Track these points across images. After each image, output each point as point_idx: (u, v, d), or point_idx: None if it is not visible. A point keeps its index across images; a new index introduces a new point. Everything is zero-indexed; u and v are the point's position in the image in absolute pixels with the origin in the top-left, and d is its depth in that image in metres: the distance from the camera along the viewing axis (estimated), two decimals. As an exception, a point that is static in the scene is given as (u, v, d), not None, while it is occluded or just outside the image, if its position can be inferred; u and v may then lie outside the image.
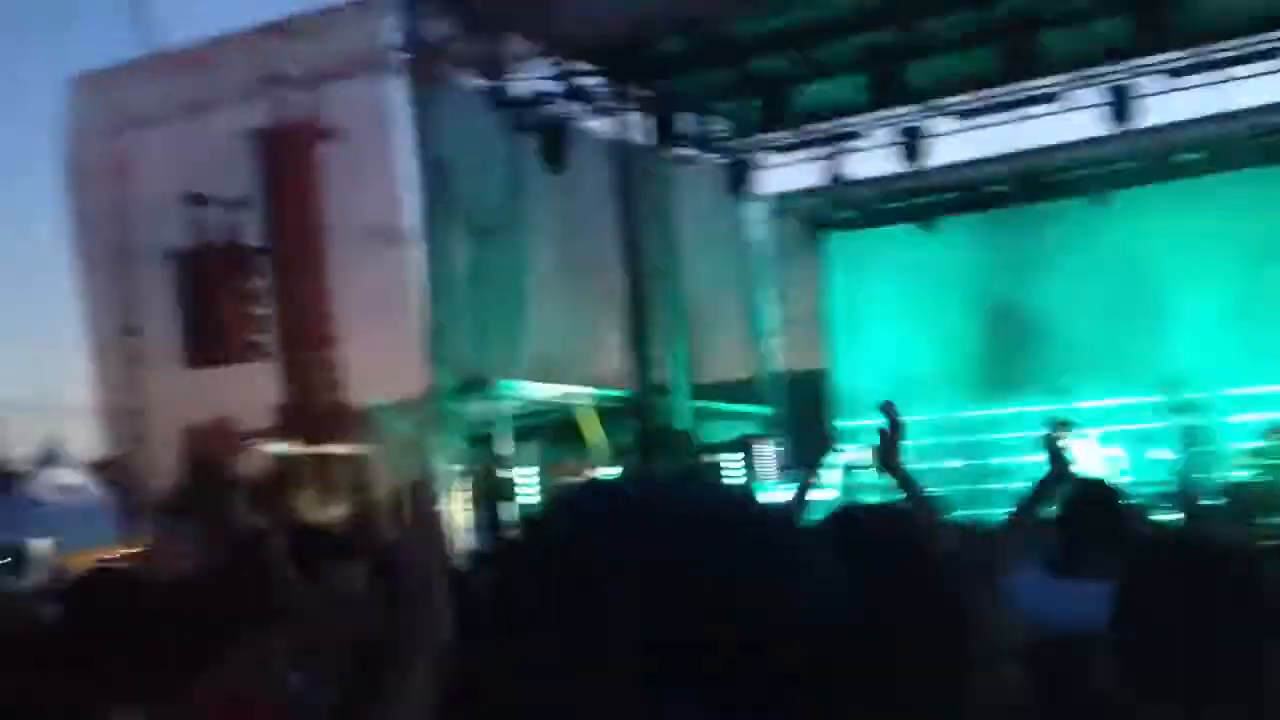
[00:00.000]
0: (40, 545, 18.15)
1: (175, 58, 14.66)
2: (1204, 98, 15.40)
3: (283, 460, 17.55)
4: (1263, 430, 14.91)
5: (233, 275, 16.00)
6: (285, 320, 16.22)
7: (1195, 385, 15.35)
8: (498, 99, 14.55)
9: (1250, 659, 1.86)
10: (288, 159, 15.16)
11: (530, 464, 17.59)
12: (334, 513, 16.35)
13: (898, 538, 2.49)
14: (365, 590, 3.27)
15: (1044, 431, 13.84)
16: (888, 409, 4.23)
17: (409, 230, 15.24)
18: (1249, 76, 15.02)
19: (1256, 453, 14.62)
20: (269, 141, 15.06)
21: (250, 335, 16.65)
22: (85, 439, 18.33)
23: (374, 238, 15.42)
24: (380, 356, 16.52)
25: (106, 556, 17.38)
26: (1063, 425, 14.58)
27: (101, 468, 18.76)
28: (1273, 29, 14.58)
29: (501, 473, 16.73)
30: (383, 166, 14.95)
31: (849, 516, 2.58)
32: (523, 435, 17.22)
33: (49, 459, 21.48)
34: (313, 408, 17.05)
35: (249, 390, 16.97)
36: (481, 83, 14.55)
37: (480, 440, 16.56)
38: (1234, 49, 14.83)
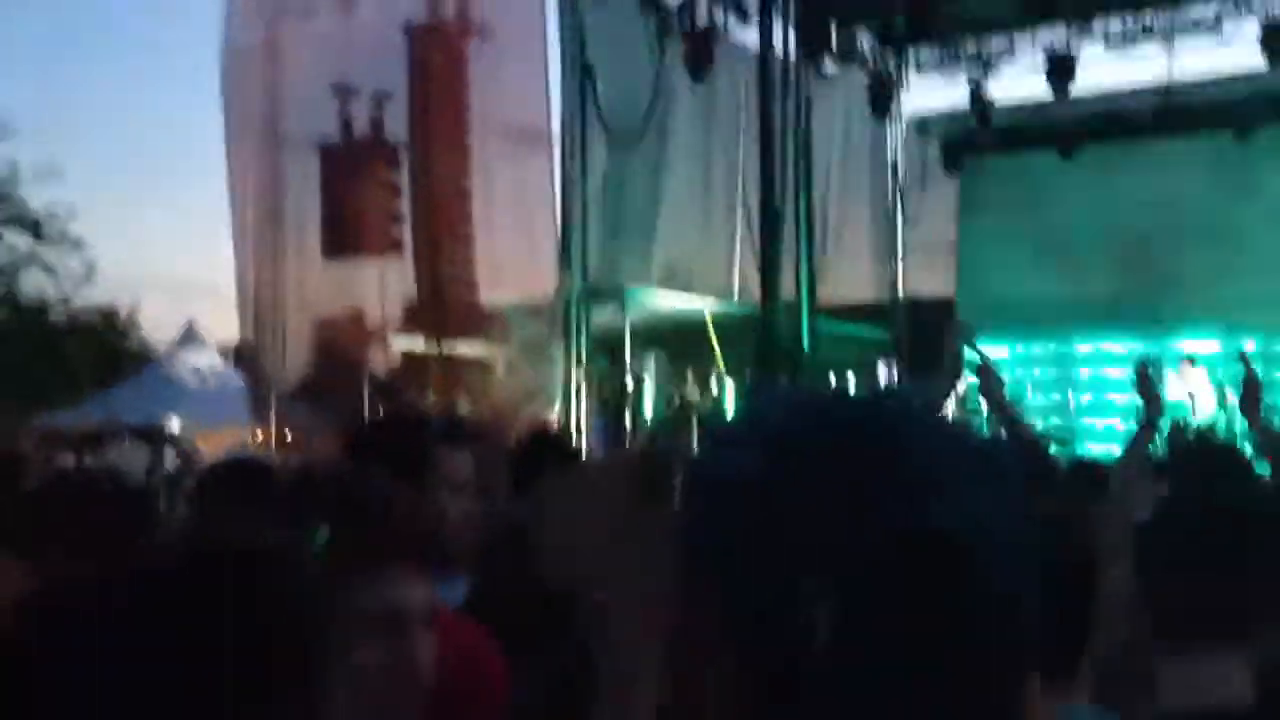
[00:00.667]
0: (174, 424, 18.76)
1: (334, -52, 14.90)
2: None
3: (411, 355, 17.94)
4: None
5: (374, 169, 16.34)
6: (423, 215, 16.51)
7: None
8: (649, 4, 14.63)
9: None
10: (436, 54, 15.40)
11: (653, 372, 17.80)
12: (458, 408, 16.66)
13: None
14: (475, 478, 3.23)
15: (1134, 369, 13.73)
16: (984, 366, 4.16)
17: (551, 132, 15.43)
18: None
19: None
20: (419, 35, 15.30)
21: (387, 229, 17.01)
22: (222, 322, 18.83)
23: (516, 138, 15.63)
24: (514, 256, 16.75)
25: (237, 437, 17.99)
26: (1144, 371, 14.43)
27: (236, 351, 19.25)
28: None
29: (626, 380, 16.93)
30: (530, 67, 15.11)
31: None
32: (648, 343, 17.41)
33: (185, 340, 22.04)
34: (444, 304, 17.34)
35: (384, 282, 17.35)
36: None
37: (606, 346, 16.78)
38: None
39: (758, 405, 1.03)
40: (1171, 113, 15.74)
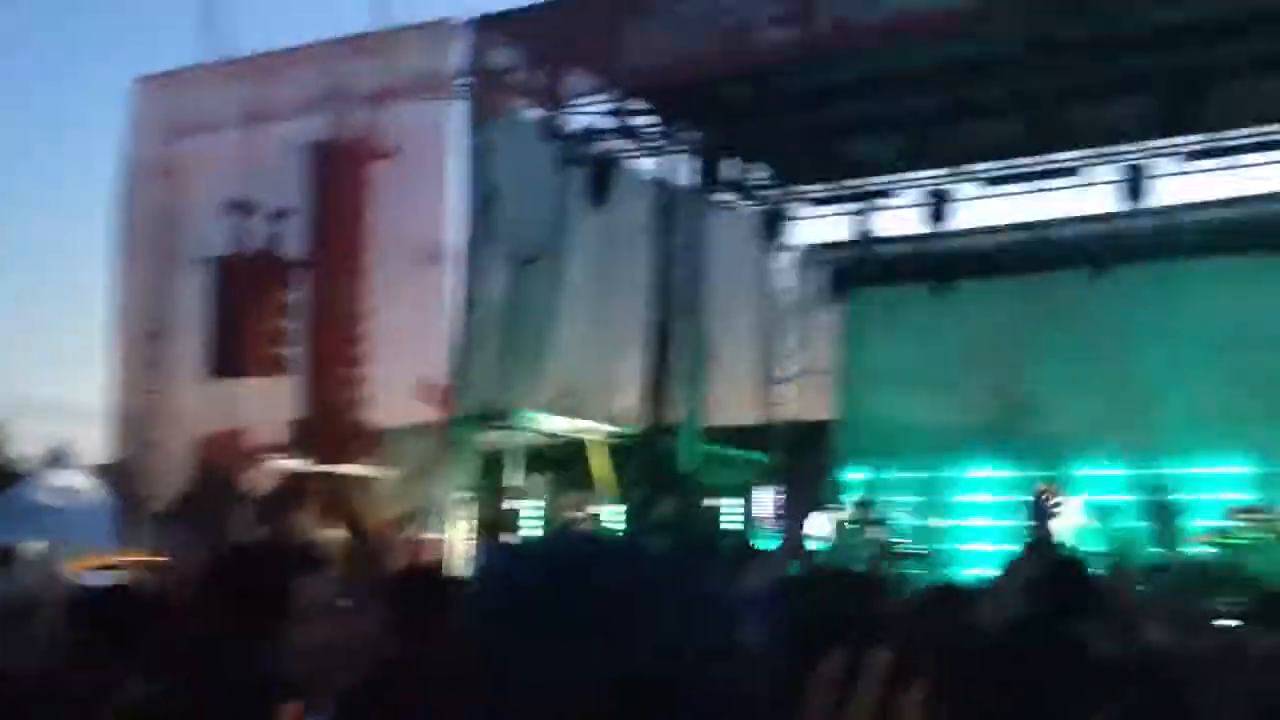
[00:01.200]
0: (33, 547, 17.88)
1: (241, 66, 14.94)
2: (1213, 183, 16.27)
3: (293, 476, 17.58)
4: (1227, 510, 15.41)
5: (265, 287, 16.16)
6: (314, 335, 16.37)
7: (1170, 462, 15.84)
8: (552, 131, 14.99)
9: None
10: (338, 174, 15.43)
11: (538, 496, 17.81)
12: (338, 532, 16.39)
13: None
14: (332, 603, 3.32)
15: (1030, 496, 14.24)
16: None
17: (450, 254, 15.56)
18: (1257, 164, 15.91)
19: (1220, 531, 15.07)
20: (322, 154, 15.33)
21: (275, 349, 16.76)
22: (96, 442, 18.18)
23: (415, 259, 15.69)
24: (406, 378, 16.69)
25: (105, 561, 17.24)
26: (1049, 491, 15.16)
27: (109, 472, 18.57)
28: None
29: (508, 503, 16.94)
30: (432, 189, 15.27)
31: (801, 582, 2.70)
32: (534, 466, 17.45)
33: (54, 460, 21.11)
34: (329, 426, 17.12)
35: (268, 402, 17.04)
36: (537, 114, 14.98)
37: (491, 469, 16.78)
38: (1245, 136, 15.67)
39: (491, 561, 1.12)
40: (1042, 251, 16.71)
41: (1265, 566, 14.37)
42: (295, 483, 17.44)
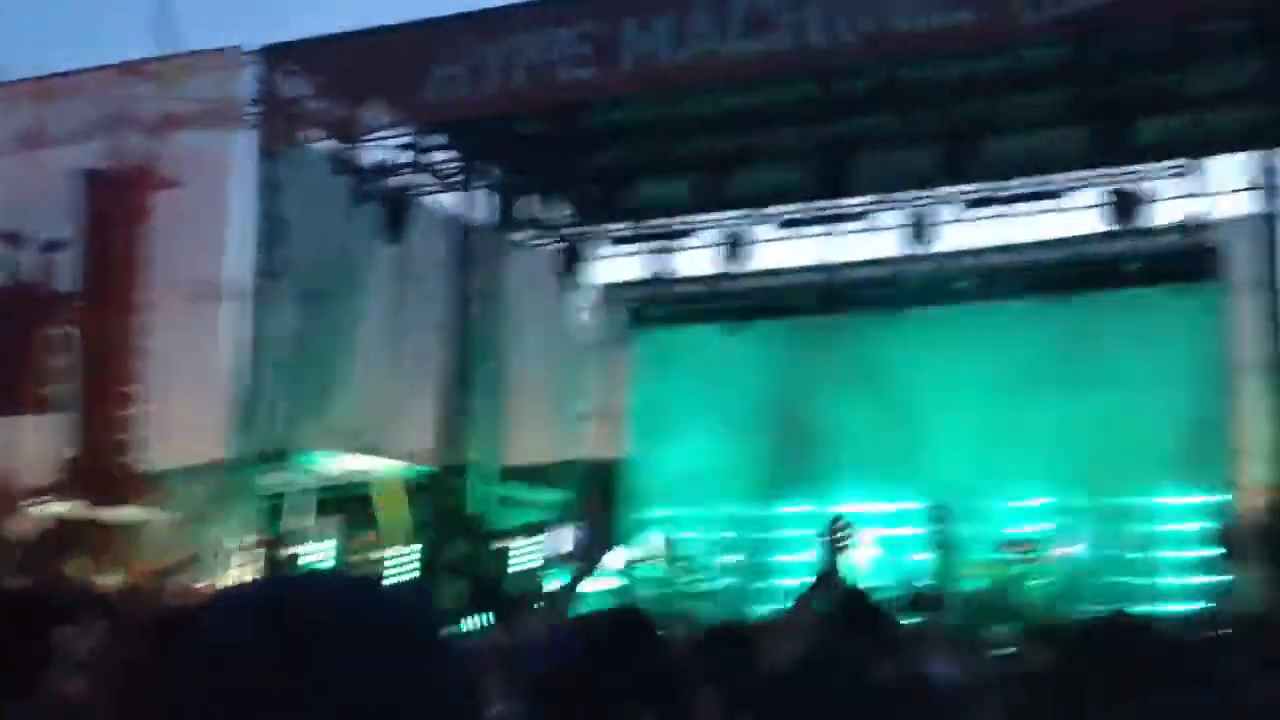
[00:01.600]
0: None
1: (12, 89, 14.08)
2: (989, 230, 16.98)
3: (60, 521, 16.64)
4: (999, 543, 16.06)
5: (33, 321, 15.28)
6: (87, 372, 15.54)
7: (950, 497, 16.39)
8: (344, 165, 14.63)
9: None
10: (115, 204, 14.71)
11: (328, 538, 17.27)
12: (109, 578, 15.58)
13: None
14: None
15: (820, 532, 14.57)
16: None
17: (233, 289, 15.00)
18: (1029, 214, 16.69)
19: (991, 564, 15.69)
20: (98, 183, 14.59)
21: (42, 386, 15.86)
22: None
23: (195, 294, 15.08)
24: (183, 417, 16.01)
25: None
26: (840, 526, 15.48)
27: None
28: (1053, 171, 16.26)
29: (290, 548, 16.34)
30: (214, 221, 14.72)
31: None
32: (325, 507, 16.93)
33: None
34: (100, 467, 16.29)
35: (36, 442, 16.10)
36: (330, 146, 14.61)
37: (280, 509, 16.23)
38: (1018, 187, 16.44)
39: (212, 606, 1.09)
40: (830, 293, 17.14)
41: (1032, 596, 15.03)
42: (63, 527, 16.51)
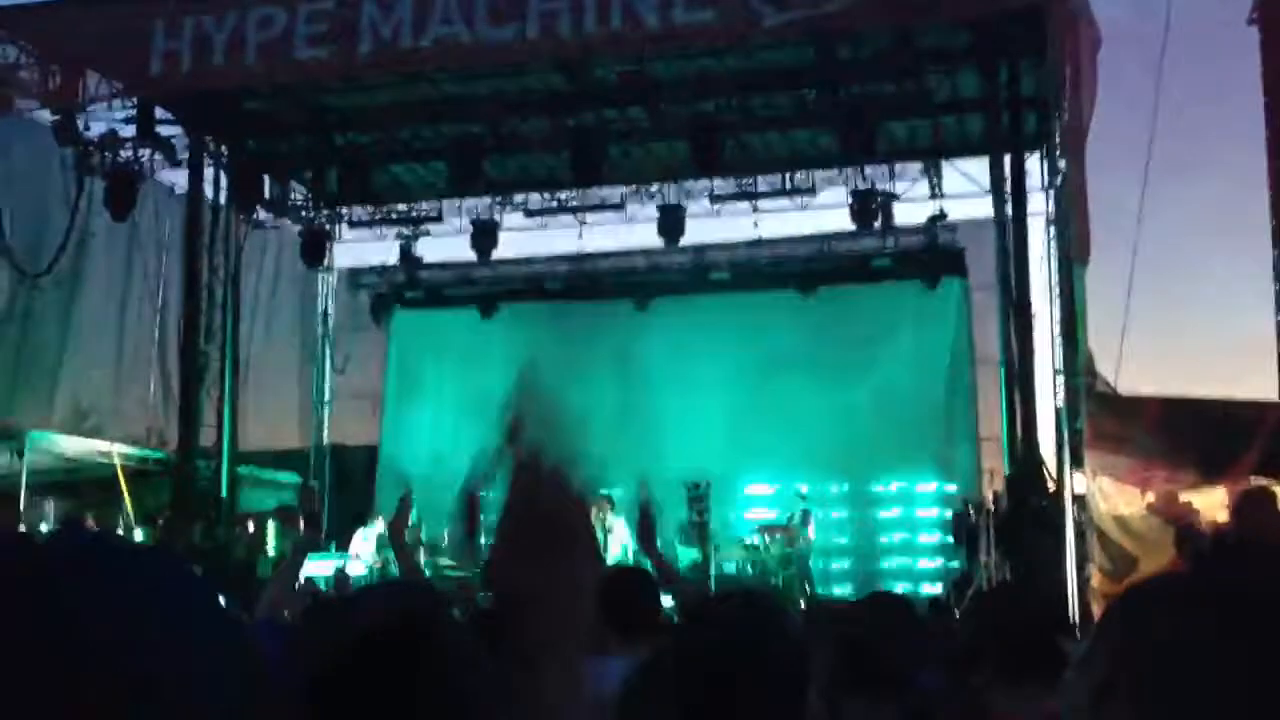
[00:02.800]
0: None
1: None
2: (739, 224, 17.17)
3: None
4: (755, 527, 16.33)
5: None
6: None
7: (704, 482, 16.53)
8: (65, 137, 13.89)
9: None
10: None
11: (50, 521, 16.51)
12: None
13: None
14: None
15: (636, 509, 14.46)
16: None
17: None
18: (777, 210, 16.93)
19: (747, 547, 15.95)
20: None
21: None
22: None
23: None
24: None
25: None
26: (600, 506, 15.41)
27: None
28: (802, 169, 16.50)
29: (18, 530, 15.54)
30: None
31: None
32: (49, 491, 16.17)
33: None
34: None
35: None
36: (49, 117, 13.85)
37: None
38: (767, 184, 16.64)
39: None
40: (582, 280, 17.06)
41: (786, 578, 15.33)
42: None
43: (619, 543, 15.54)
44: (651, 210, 16.45)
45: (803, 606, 14.17)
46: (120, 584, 0.94)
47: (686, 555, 15.64)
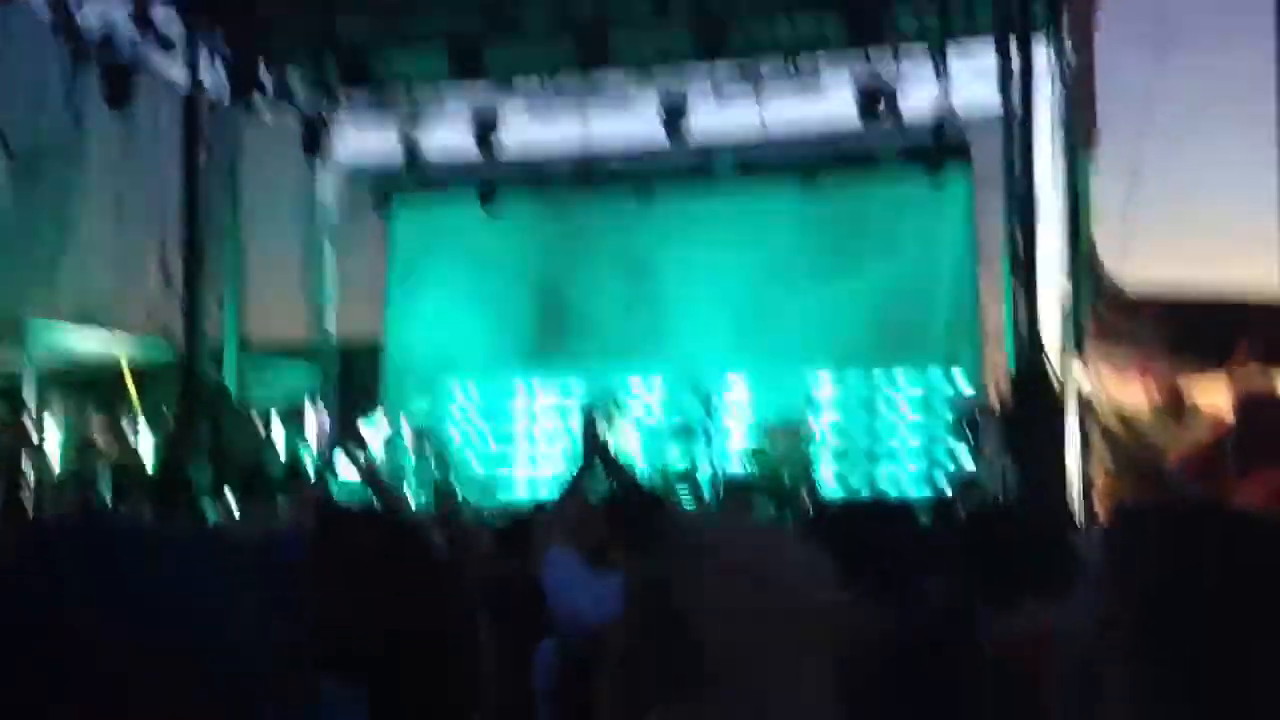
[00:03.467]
0: None
1: None
2: (743, 115, 16.87)
3: None
4: (761, 430, 16.33)
5: None
6: None
7: (711, 381, 16.50)
8: (59, 25, 13.67)
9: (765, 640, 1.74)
10: None
11: (60, 417, 16.58)
12: None
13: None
14: None
15: (579, 416, 14.49)
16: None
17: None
18: (782, 99, 16.63)
19: (755, 452, 15.96)
20: None
21: None
22: None
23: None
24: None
25: None
26: (599, 409, 15.43)
27: None
28: (809, 49, 16.15)
29: (25, 429, 15.57)
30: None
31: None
32: (54, 385, 16.21)
33: None
34: None
35: None
36: (44, 5, 13.64)
37: (4, 390, 15.45)
38: (773, 71, 16.31)
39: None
40: (587, 171, 16.89)
41: (797, 480, 15.39)
42: None
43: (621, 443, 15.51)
44: (654, 98, 16.17)
45: (806, 505, 14.32)
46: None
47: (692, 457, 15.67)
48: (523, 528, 5.03)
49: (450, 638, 2.00)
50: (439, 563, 2.26)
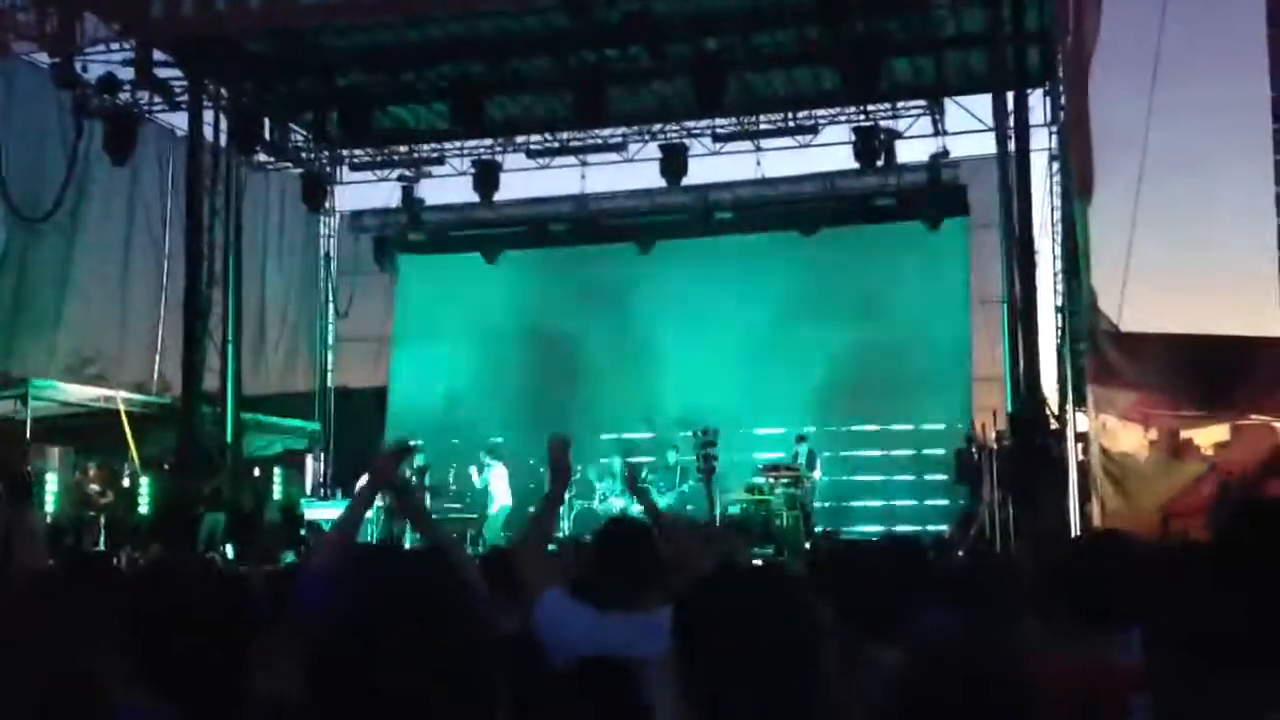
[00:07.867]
0: None
1: None
2: (741, 164, 17.06)
3: None
4: (757, 469, 16.34)
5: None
6: None
7: (711, 425, 16.50)
8: (63, 79, 13.80)
9: (798, 672, 1.83)
10: None
11: (56, 469, 16.52)
12: None
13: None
14: None
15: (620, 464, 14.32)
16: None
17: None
18: (780, 149, 16.82)
19: (750, 488, 15.97)
20: None
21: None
22: None
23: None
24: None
25: None
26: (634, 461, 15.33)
27: None
28: (806, 107, 16.36)
29: (24, 476, 15.55)
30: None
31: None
32: (53, 437, 16.17)
33: None
34: None
35: None
36: (47, 59, 13.76)
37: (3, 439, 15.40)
38: (770, 123, 16.51)
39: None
40: (585, 222, 16.97)
41: (791, 520, 15.34)
42: None
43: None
44: (654, 151, 16.33)
45: (807, 548, 14.27)
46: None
47: (694, 500, 15.63)
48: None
49: None
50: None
